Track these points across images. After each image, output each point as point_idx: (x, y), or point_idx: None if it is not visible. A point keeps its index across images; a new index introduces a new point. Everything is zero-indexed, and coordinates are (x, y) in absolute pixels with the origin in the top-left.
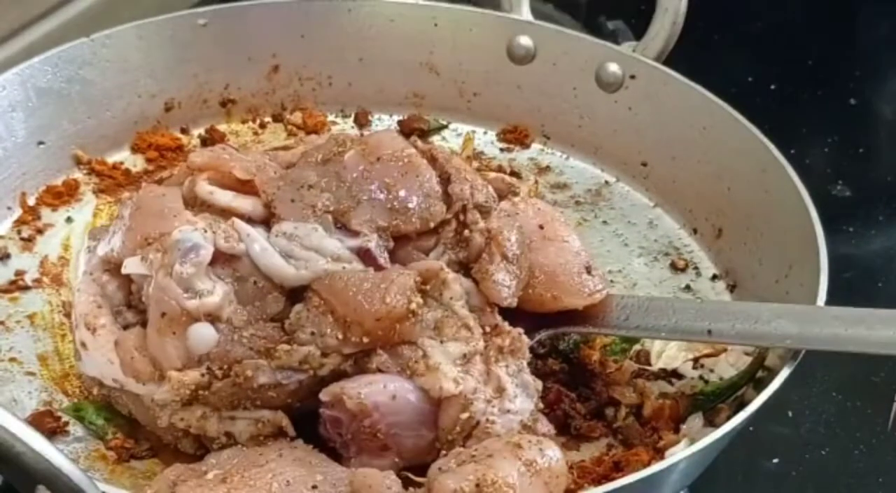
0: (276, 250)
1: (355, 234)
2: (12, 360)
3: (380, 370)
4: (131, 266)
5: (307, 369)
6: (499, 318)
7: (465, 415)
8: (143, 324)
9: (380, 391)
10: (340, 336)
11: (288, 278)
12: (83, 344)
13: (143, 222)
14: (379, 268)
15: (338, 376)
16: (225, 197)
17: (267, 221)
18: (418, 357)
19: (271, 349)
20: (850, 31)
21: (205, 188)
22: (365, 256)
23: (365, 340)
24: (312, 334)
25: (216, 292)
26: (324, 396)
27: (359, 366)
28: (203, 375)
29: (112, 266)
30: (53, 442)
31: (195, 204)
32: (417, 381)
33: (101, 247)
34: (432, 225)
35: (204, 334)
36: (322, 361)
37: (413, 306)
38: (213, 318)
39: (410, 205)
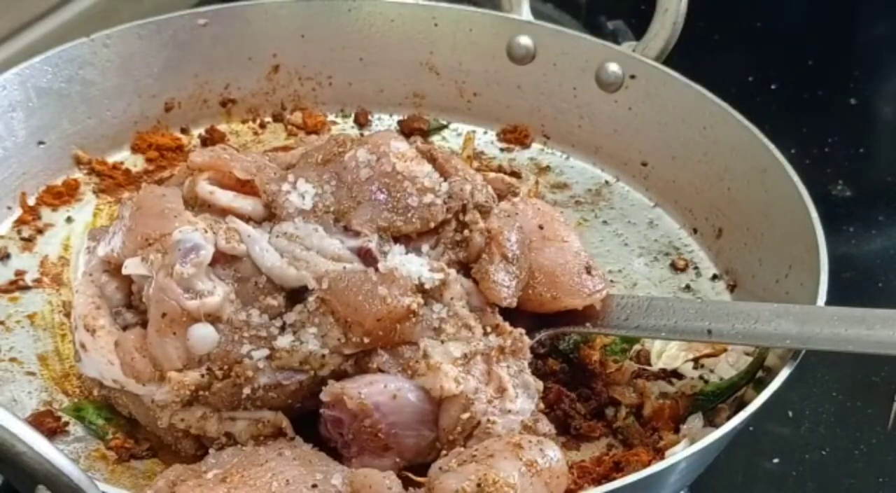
0: (277, 250)
1: (356, 234)
2: (12, 360)
3: (380, 370)
4: (132, 267)
5: (308, 370)
6: (499, 318)
7: (465, 415)
8: (143, 324)
9: (380, 391)
10: (341, 337)
11: (289, 278)
12: (83, 345)
13: (144, 223)
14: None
15: (338, 376)
16: (225, 197)
17: (267, 221)
18: (419, 357)
19: (272, 350)
20: (850, 31)
21: (205, 188)
22: (365, 256)
23: (366, 340)
24: (313, 334)
25: (216, 293)
26: (324, 396)
27: (359, 366)
28: (203, 375)
29: (112, 267)
30: (53, 442)
31: (195, 204)
32: (418, 381)
33: (101, 247)
34: (432, 225)
35: (204, 335)
36: (323, 361)
37: (414, 306)
38: (213, 318)
39: (411, 205)
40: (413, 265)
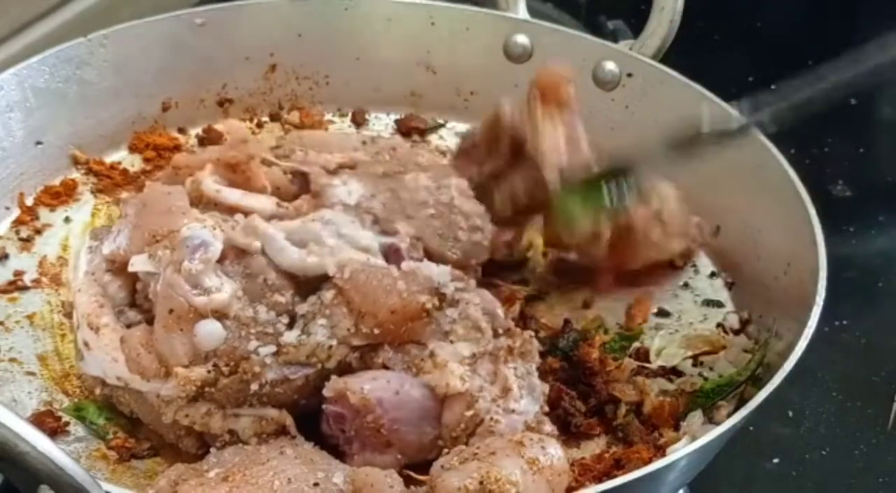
0: (308, 233)
1: (391, 235)
2: (12, 360)
3: (385, 367)
4: (139, 264)
5: (315, 363)
6: (511, 322)
7: (469, 413)
8: (148, 322)
9: (384, 387)
10: (352, 327)
11: (309, 267)
12: (86, 344)
13: (151, 220)
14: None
15: (343, 370)
16: (233, 195)
17: (275, 218)
18: (425, 356)
19: (279, 346)
20: (850, 31)
21: (211, 187)
22: (394, 253)
23: (376, 331)
24: (322, 325)
25: (224, 290)
26: (327, 391)
27: (364, 361)
28: (209, 371)
29: (116, 266)
30: (54, 442)
31: (200, 202)
32: (423, 378)
33: (105, 245)
34: (473, 262)
35: (211, 331)
36: (329, 352)
37: (429, 305)
38: (220, 315)
39: (460, 238)
40: (436, 270)
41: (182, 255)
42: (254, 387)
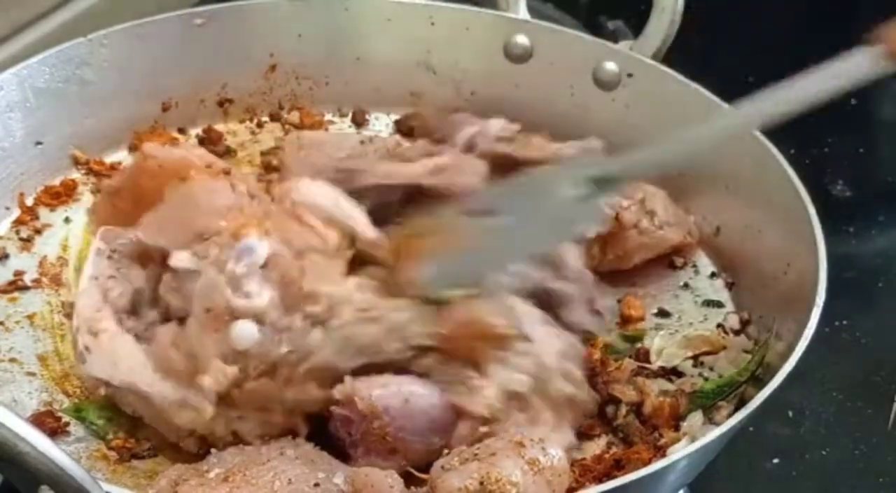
0: None
1: None
2: (12, 360)
3: (422, 375)
4: (181, 260)
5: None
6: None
7: (484, 428)
8: (162, 322)
9: (392, 394)
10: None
11: None
12: (87, 348)
13: (195, 217)
14: None
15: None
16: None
17: None
18: (466, 378)
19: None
20: (850, 32)
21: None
22: None
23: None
24: None
25: (263, 296)
26: (337, 393)
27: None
28: (240, 371)
29: (137, 255)
30: (54, 443)
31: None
32: (452, 398)
33: (140, 231)
34: None
35: (246, 331)
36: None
37: (501, 331)
38: (257, 320)
39: None
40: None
41: (227, 256)
42: (287, 393)
